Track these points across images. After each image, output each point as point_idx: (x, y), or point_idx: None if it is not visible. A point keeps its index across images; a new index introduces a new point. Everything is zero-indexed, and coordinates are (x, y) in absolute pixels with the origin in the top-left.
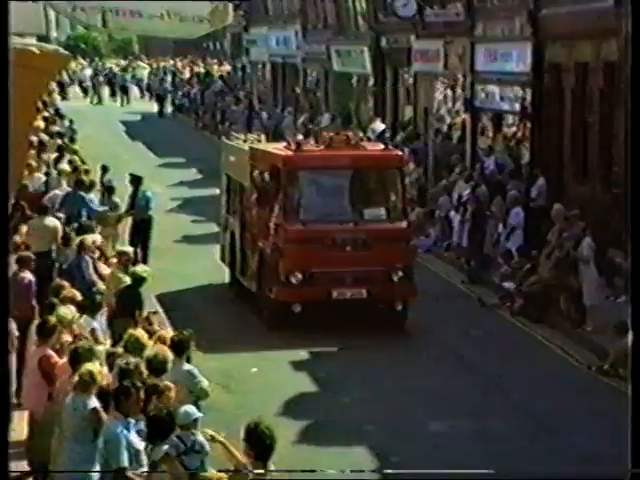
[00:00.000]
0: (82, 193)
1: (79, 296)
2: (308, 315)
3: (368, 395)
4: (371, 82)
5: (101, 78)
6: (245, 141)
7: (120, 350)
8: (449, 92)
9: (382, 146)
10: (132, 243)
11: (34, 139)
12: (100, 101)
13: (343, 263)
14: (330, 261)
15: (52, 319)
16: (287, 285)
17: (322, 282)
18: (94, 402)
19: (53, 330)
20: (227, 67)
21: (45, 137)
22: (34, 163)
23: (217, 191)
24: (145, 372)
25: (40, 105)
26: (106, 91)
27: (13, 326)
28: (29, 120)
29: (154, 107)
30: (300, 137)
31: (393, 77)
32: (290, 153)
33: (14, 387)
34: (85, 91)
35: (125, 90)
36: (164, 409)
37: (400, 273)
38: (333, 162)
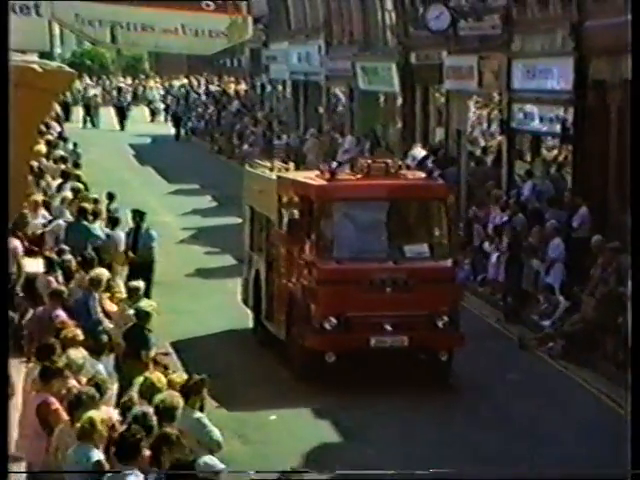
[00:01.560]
0: (86, 223)
1: (81, 335)
2: (343, 365)
3: (395, 447)
4: (399, 101)
5: (106, 97)
6: (272, 169)
7: (134, 396)
8: (484, 112)
9: (424, 175)
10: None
11: (34, 164)
12: (94, 124)
13: (382, 307)
14: (367, 304)
15: (59, 362)
16: (320, 331)
17: (359, 328)
18: (98, 454)
19: (58, 374)
20: (245, 86)
21: (46, 163)
22: (38, 198)
23: (233, 220)
24: (154, 419)
25: (42, 128)
26: (111, 113)
27: (14, 370)
28: (30, 144)
29: (165, 129)
30: (334, 164)
31: (423, 96)
32: (323, 183)
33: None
34: (88, 112)
35: (122, 113)
36: (182, 460)
37: (445, 318)
38: (371, 193)
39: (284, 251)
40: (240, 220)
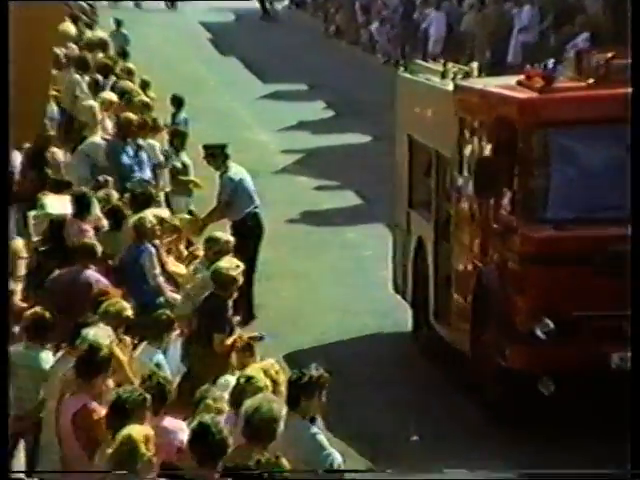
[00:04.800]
0: (141, 141)
1: (129, 310)
2: (568, 399)
3: None
4: None
5: None
6: (444, 74)
7: (219, 396)
8: None
9: None
10: None
11: (59, 53)
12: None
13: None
14: (606, 297)
15: (104, 349)
16: (529, 341)
17: (593, 336)
18: None
19: (103, 367)
20: None
21: (75, 49)
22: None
23: (358, 138)
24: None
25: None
26: None
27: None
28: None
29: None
30: (551, 62)
31: None
32: (533, 95)
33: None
34: None
35: None
36: None
37: None
38: (611, 112)
39: (467, 209)
40: (367, 137)
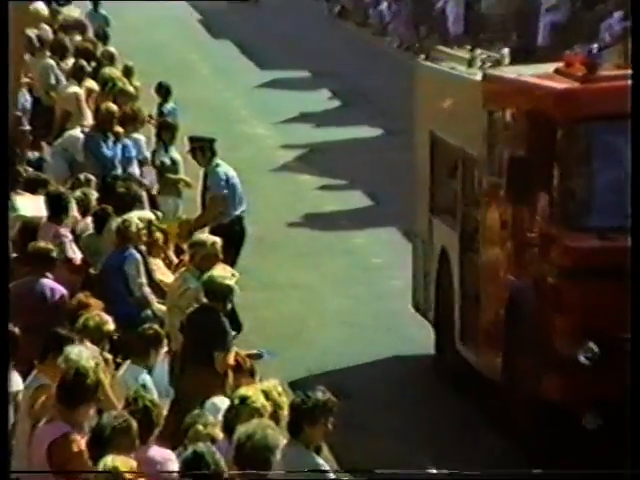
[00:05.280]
0: (123, 135)
1: (110, 324)
2: (616, 437)
3: None
4: None
5: None
6: (471, 63)
7: (212, 421)
8: None
9: None
10: None
11: (31, 35)
12: None
13: None
14: None
15: (91, 376)
16: (570, 368)
17: None
18: None
19: (90, 395)
20: None
21: (49, 31)
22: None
23: (366, 131)
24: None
25: None
26: None
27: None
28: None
29: None
30: (595, 47)
31: None
32: (574, 85)
33: None
34: None
35: None
36: None
37: None
38: None
39: (498, 216)
40: (377, 131)
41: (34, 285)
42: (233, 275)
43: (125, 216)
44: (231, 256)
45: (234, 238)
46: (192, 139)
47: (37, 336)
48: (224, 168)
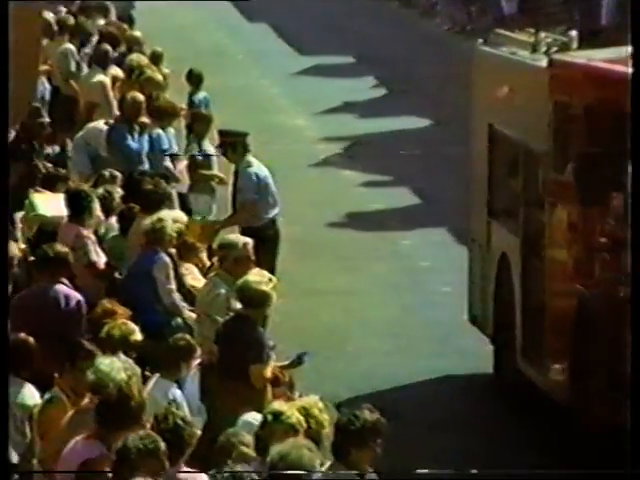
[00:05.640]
0: (151, 127)
1: (137, 333)
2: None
3: None
4: None
5: None
6: (535, 48)
7: (248, 441)
8: None
9: None
10: None
11: (49, 18)
12: None
13: None
14: None
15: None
16: None
17: None
18: None
19: (136, 419)
20: None
21: (68, 16)
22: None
23: (414, 122)
24: None
25: None
26: None
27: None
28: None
29: None
30: None
31: None
32: None
33: None
34: None
35: None
36: None
37: None
38: None
39: (566, 217)
40: (426, 121)
41: (47, 292)
42: (270, 280)
43: (158, 215)
44: (267, 261)
45: (267, 242)
46: (222, 133)
47: (52, 347)
48: (256, 168)
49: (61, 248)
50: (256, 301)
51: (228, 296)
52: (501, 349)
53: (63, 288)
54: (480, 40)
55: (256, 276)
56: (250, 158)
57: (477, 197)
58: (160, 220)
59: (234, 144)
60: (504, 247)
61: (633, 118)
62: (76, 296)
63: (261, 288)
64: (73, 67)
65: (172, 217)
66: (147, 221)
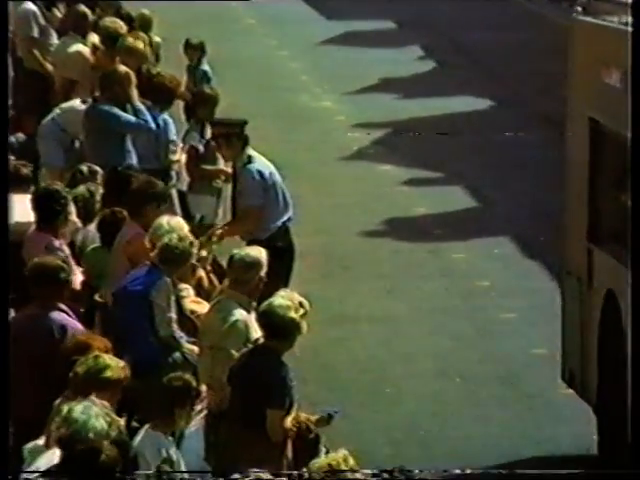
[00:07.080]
0: (139, 105)
1: (117, 370)
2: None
3: None
4: None
5: None
6: None
7: None
8: None
9: None
10: None
11: None
12: None
13: None
14: None
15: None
16: None
17: None
18: None
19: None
20: None
21: None
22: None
23: (472, 104)
24: None
25: None
26: None
27: None
28: None
29: None
30: None
31: None
32: None
33: None
34: None
35: None
36: None
37: None
38: None
39: None
40: (487, 102)
41: (39, 321)
42: (301, 306)
43: (178, 232)
44: (277, 281)
45: (277, 256)
46: (213, 123)
47: (46, 391)
48: (258, 164)
49: (51, 261)
50: (283, 331)
51: (245, 324)
52: (607, 420)
53: (59, 316)
54: (578, 8)
55: (284, 299)
56: (250, 152)
57: (574, 216)
58: (182, 239)
59: (228, 137)
60: (612, 283)
61: (633, 118)
62: (74, 325)
63: (290, 315)
64: (36, 33)
65: (172, 226)
66: (158, 231)
